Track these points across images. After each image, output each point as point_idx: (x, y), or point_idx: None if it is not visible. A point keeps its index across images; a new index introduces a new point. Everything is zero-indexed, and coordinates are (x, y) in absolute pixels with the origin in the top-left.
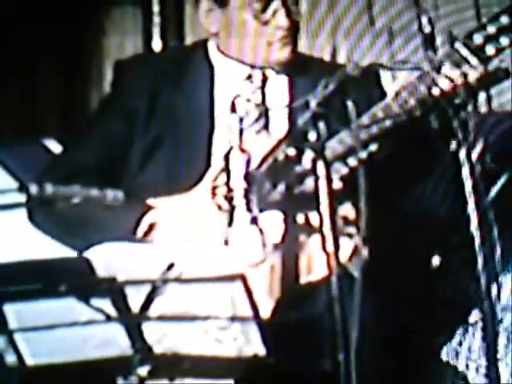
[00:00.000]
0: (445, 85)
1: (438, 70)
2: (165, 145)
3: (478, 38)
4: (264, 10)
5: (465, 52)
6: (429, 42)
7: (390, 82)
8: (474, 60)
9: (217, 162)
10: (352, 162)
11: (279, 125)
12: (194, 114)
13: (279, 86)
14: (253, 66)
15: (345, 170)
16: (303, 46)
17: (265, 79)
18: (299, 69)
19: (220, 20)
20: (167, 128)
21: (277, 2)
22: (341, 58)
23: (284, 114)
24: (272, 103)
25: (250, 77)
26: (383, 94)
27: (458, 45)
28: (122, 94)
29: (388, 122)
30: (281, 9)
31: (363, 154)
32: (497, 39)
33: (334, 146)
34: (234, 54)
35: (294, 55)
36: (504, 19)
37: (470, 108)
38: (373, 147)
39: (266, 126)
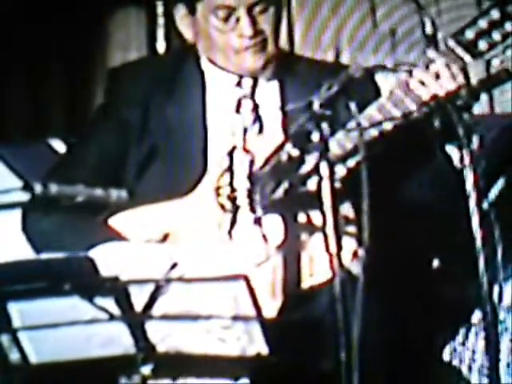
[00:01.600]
0: (441, 84)
1: (433, 69)
2: (160, 154)
3: (469, 34)
4: (228, 17)
5: (457, 48)
6: (431, 44)
7: (385, 82)
8: (466, 56)
9: (216, 163)
10: (351, 162)
11: (274, 128)
12: (187, 120)
13: (270, 89)
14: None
15: (344, 171)
16: (307, 50)
17: (255, 84)
18: (288, 71)
19: (192, 27)
20: (161, 137)
21: (241, 9)
22: (344, 62)
23: (278, 117)
24: (265, 107)
25: (239, 83)
26: (378, 95)
27: (450, 41)
28: (115, 105)
29: (387, 124)
30: (244, 17)
31: (364, 155)
32: (489, 34)
33: (333, 147)
34: (214, 60)
35: (277, 59)
36: (495, 13)
37: (472, 109)
38: (371, 148)
39: (260, 130)
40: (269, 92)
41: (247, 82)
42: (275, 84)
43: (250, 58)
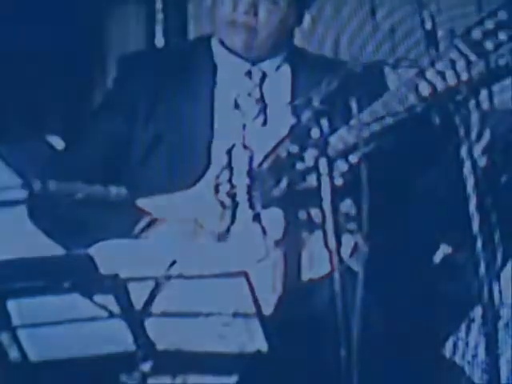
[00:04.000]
0: (443, 81)
1: (437, 66)
2: (166, 141)
3: (476, 34)
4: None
5: (463, 47)
6: (431, 39)
7: (391, 79)
8: (472, 55)
9: (217, 158)
10: (353, 158)
11: (279, 121)
12: (195, 110)
13: (279, 83)
14: (253, 63)
15: (346, 167)
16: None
17: (264, 76)
18: (301, 65)
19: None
20: (168, 124)
21: None
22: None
23: (285, 111)
24: (271, 100)
25: (249, 73)
26: (385, 91)
27: (456, 40)
28: (125, 89)
29: (389, 119)
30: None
31: (364, 151)
32: (495, 34)
33: (334, 143)
34: (219, 35)
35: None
36: (502, 14)
37: (471, 105)
38: (374, 144)
39: (265, 123)
40: (277, 84)
41: (256, 72)
42: (284, 77)
43: (234, 33)
